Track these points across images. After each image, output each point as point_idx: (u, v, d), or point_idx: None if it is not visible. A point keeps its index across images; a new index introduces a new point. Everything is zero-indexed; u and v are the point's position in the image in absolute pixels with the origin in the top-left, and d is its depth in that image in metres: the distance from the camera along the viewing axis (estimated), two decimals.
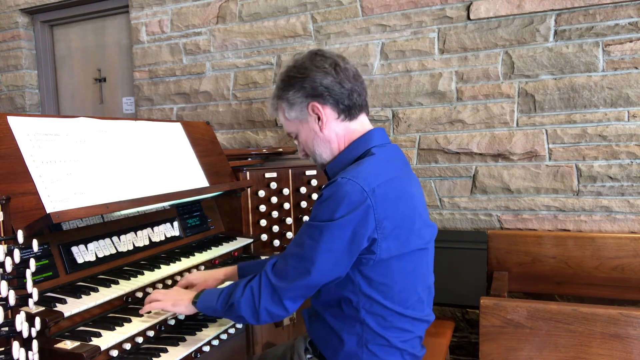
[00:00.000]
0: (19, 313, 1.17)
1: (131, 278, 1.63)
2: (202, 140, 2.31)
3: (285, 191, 2.47)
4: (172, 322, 1.60)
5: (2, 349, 1.19)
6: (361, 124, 1.44)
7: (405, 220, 1.32)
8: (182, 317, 1.64)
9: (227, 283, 1.73)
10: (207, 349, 1.60)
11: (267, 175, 2.44)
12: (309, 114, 1.40)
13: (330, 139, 1.42)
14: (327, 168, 1.48)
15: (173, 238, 2.01)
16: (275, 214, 2.45)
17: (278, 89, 1.44)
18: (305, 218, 2.49)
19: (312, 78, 1.37)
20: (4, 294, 1.14)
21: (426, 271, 1.46)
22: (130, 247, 1.80)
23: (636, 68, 2.34)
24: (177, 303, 1.49)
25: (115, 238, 1.76)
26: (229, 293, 1.40)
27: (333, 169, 1.45)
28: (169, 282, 1.76)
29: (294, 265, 1.31)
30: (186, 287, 1.73)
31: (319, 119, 1.40)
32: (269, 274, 1.34)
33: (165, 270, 1.74)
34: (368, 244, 1.27)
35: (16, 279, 1.22)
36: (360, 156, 1.39)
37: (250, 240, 2.25)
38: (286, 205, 2.48)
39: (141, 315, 1.50)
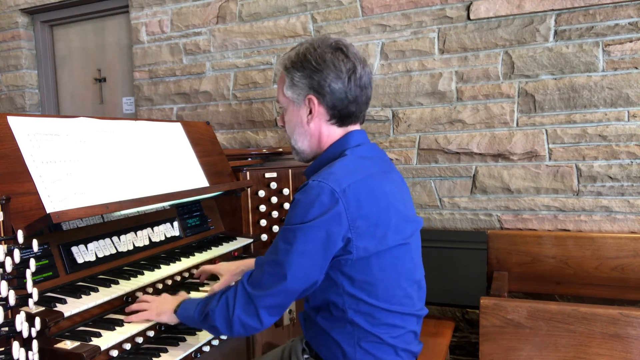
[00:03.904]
0: (19, 313, 1.17)
1: (131, 278, 1.63)
2: (202, 140, 2.31)
3: (285, 191, 2.47)
4: None
5: (2, 349, 1.19)
6: (345, 130, 1.44)
7: (380, 217, 1.32)
8: None
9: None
10: (207, 349, 1.60)
11: (267, 175, 2.44)
12: (303, 103, 1.41)
13: (312, 134, 1.44)
14: (305, 172, 1.51)
15: (173, 238, 2.01)
16: (275, 214, 2.45)
17: (289, 61, 1.41)
18: None
19: (324, 74, 1.36)
20: (4, 294, 1.14)
21: (411, 266, 1.44)
22: (130, 247, 1.80)
23: (636, 68, 2.34)
24: (160, 312, 1.48)
25: (115, 238, 1.76)
26: (205, 303, 1.39)
27: (310, 172, 1.47)
28: (169, 282, 1.76)
29: (270, 271, 1.29)
30: (213, 278, 1.81)
31: (310, 112, 1.41)
32: (244, 283, 1.33)
33: (165, 270, 1.74)
34: (343, 243, 1.27)
35: (16, 279, 1.22)
36: (334, 158, 1.40)
37: (250, 240, 2.25)
38: (286, 205, 2.48)
39: None
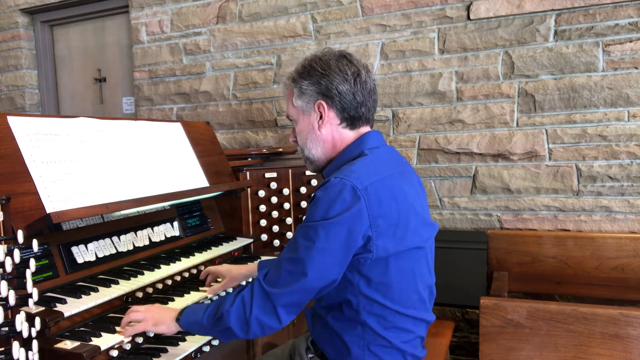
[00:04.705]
0: (19, 313, 1.17)
1: (131, 278, 1.63)
2: (202, 140, 2.31)
3: (285, 191, 2.47)
4: None
5: (2, 349, 1.19)
6: (357, 132, 1.46)
7: (401, 218, 1.32)
8: None
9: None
10: (207, 349, 1.60)
11: (267, 175, 2.44)
12: (313, 109, 1.43)
13: (324, 140, 1.44)
14: (324, 172, 1.50)
15: (173, 238, 2.01)
16: (275, 214, 2.45)
17: (296, 73, 1.46)
18: None
19: (330, 78, 1.39)
20: (4, 294, 1.14)
21: (426, 271, 1.45)
22: (130, 247, 1.80)
23: (636, 68, 2.34)
24: (158, 322, 1.42)
25: (115, 238, 1.76)
26: (217, 305, 1.36)
27: (328, 173, 1.46)
28: (169, 282, 1.76)
29: (289, 269, 1.28)
30: (216, 279, 1.81)
31: (320, 117, 1.42)
32: (261, 281, 1.31)
33: (165, 270, 1.74)
34: (363, 242, 1.27)
35: (16, 279, 1.22)
36: (354, 158, 1.40)
37: (250, 240, 2.25)
38: (286, 205, 2.48)
39: None
